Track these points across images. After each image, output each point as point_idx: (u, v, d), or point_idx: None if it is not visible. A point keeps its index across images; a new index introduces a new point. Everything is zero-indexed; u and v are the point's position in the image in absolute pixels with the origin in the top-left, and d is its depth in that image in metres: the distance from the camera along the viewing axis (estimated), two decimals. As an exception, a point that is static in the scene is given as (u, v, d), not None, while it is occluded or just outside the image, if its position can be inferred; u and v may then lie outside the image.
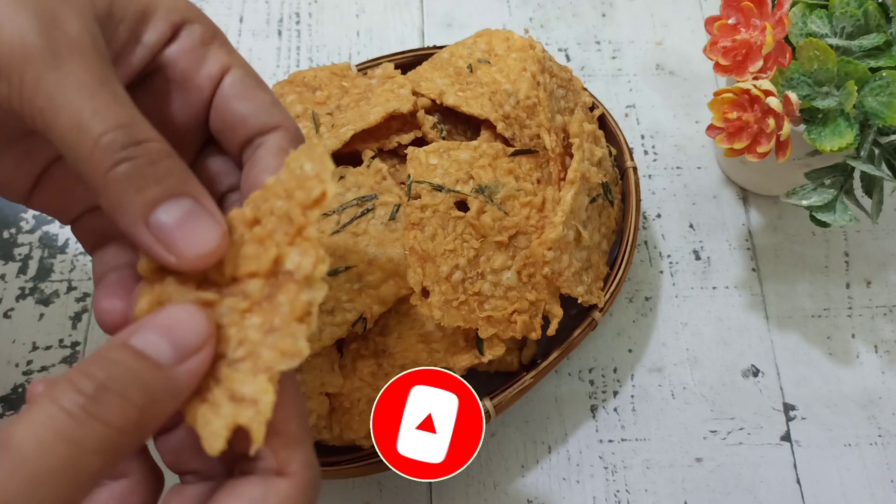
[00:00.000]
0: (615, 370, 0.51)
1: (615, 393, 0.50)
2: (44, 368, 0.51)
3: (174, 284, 0.25)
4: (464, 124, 0.49)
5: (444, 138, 0.47)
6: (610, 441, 0.49)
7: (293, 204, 0.25)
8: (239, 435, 0.23)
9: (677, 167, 0.58)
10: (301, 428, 0.25)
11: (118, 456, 0.21)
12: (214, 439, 0.23)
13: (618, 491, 0.47)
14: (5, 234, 0.56)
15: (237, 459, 0.25)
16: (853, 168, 0.44)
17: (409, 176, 0.43)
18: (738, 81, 0.44)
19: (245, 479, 0.24)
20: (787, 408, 0.50)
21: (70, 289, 0.54)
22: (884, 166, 0.44)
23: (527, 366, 0.46)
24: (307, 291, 0.23)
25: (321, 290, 0.23)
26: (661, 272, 0.54)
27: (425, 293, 0.41)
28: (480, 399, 0.44)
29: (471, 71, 0.49)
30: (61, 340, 0.52)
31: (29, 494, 0.19)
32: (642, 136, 0.59)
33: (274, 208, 0.25)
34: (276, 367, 0.23)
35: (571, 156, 0.45)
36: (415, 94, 0.48)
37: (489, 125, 0.47)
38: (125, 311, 0.27)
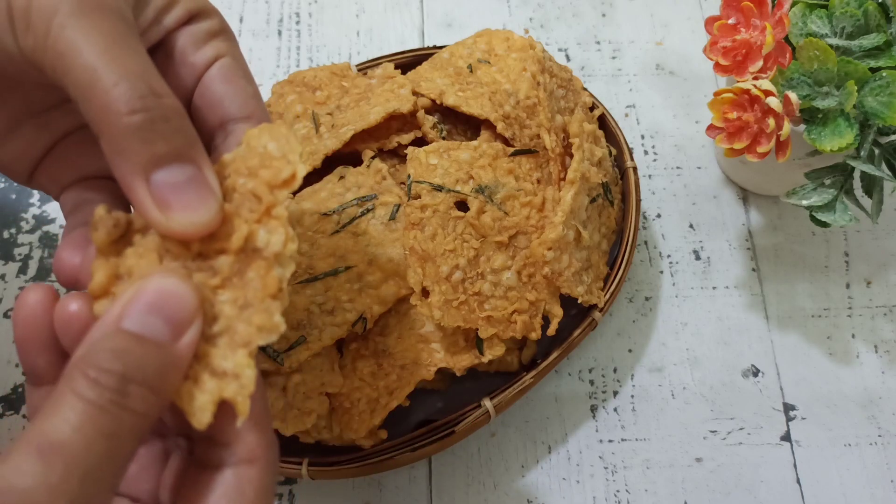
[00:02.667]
0: (615, 370, 0.51)
1: (615, 393, 0.50)
2: (44, 368, 0.51)
3: (134, 258, 0.25)
4: (464, 124, 0.49)
5: (444, 138, 0.47)
6: (610, 441, 0.49)
7: (259, 182, 0.25)
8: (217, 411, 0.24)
9: (677, 167, 0.58)
10: (263, 409, 0.26)
11: (144, 436, 0.22)
12: (202, 413, 0.23)
13: (618, 491, 0.47)
14: (5, 234, 0.56)
15: (201, 441, 0.26)
16: (853, 168, 0.44)
17: (409, 176, 0.43)
18: (738, 81, 0.44)
19: (217, 473, 0.25)
20: (787, 408, 0.50)
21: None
22: (884, 166, 0.44)
23: (527, 366, 0.46)
24: (277, 268, 0.24)
25: (290, 267, 0.24)
26: (661, 272, 0.54)
27: (425, 293, 0.41)
28: (481, 400, 0.44)
29: (471, 71, 0.49)
30: (61, 340, 0.52)
31: (85, 491, 0.20)
32: (642, 136, 0.59)
33: (236, 185, 0.25)
34: (254, 343, 0.24)
35: (571, 156, 0.45)
36: (415, 94, 0.48)
37: (489, 125, 0.47)
38: (81, 266, 0.28)
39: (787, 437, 0.49)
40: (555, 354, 0.45)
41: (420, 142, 0.47)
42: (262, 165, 0.25)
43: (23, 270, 0.54)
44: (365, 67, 0.53)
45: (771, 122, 0.42)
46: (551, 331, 0.43)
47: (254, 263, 0.24)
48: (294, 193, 0.44)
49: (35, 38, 0.24)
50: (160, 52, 0.30)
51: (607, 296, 0.46)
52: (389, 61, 0.52)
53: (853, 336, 0.52)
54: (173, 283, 0.24)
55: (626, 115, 0.60)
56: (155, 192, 0.24)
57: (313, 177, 0.46)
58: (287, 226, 0.24)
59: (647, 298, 0.53)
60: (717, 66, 0.45)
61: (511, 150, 0.46)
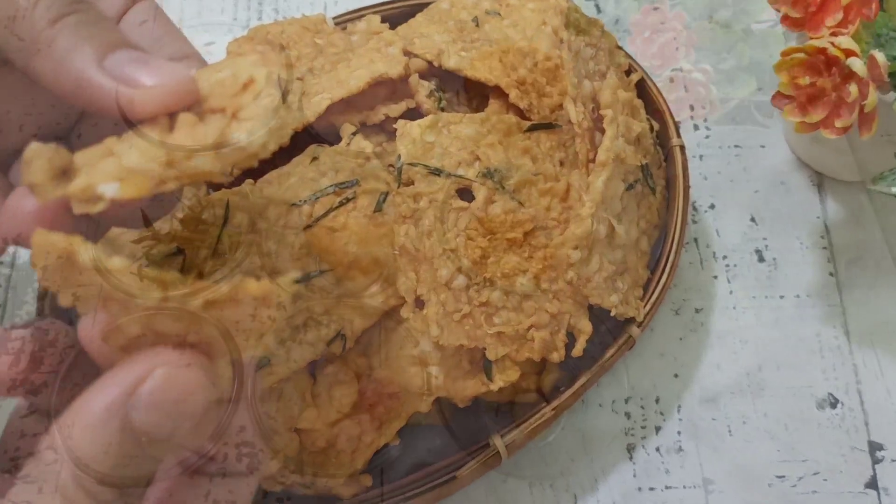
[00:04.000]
0: (657, 400, 0.51)
1: (657, 429, 0.50)
2: None
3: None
4: (468, 92, 0.49)
5: (443, 110, 0.47)
6: (651, 489, 0.49)
7: (216, 97, 0.27)
8: None
9: (735, 146, 0.58)
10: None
11: None
12: None
13: (661, 551, 0.47)
14: None
15: None
16: (956, 147, 0.44)
17: (399, 157, 0.43)
18: (811, 38, 0.43)
19: None
20: (874, 447, 0.50)
21: None
22: None
23: (547, 395, 0.46)
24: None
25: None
26: (716, 277, 0.54)
27: (419, 303, 0.41)
28: (490, 437, 0.44)
29: (477, 25, 0.50)
30: None
31: None
32: (691, 108, 0.59)
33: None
34: None
35: (602, 131, 0.45)
36: (406, 54, 0.48)
37: (499, 93, 0.47)
38: None
39: (872, 484, 0.49)
40: (582, 381, 0.45)
41: (413, 114, 0.47)
42: (218, 85, 0.27)
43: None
44: (344, 21, 0.53)
45: (853, 89, 0.42)
46: (577, 351, 0.43)
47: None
48: (254, 177, 0.45)
49: None
50: None
51: (647, 307, 0.46)
52: (375, 13, 0.52)
53: (956, 357, 0.52)
54: (199, 378, 0.26)
55: (672, 81, 0.60)
56: (115, 73, 0.26)
57: (280, 158, 0.46)
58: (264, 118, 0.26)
59: (697, 310, 0.53)
60: (785, 18, 0.45)
61: (527, 124, 0.46)
